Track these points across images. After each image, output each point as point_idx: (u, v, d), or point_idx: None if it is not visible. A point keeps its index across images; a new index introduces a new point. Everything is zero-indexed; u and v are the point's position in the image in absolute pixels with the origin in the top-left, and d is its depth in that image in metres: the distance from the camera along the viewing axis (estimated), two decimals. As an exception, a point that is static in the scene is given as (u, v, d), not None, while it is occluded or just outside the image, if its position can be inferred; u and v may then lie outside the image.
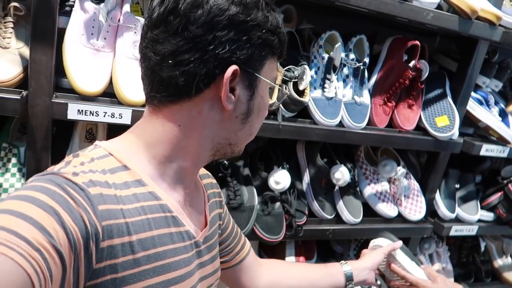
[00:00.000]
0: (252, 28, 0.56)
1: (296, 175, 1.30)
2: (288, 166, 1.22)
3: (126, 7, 0.93)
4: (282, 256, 1.37)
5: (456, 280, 1.70)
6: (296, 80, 1.10)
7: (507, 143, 1.43)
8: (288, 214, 1.19)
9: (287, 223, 1.19)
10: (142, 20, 0.94)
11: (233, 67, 0.56)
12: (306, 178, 1.31)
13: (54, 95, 0.89)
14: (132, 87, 0.92)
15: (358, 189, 1.39)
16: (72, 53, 0.90)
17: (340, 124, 1.17)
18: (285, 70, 1.09)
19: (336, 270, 0.97)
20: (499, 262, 1.83)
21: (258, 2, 0.57)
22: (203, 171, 0.82)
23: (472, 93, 1.39)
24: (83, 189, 0.50)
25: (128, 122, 0.92)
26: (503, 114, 1.49)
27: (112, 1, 0.91)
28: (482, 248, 1.80)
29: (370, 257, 1.01)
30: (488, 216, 1.58)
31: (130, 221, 0.54)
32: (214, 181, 0.84)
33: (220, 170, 1.15)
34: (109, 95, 0.94)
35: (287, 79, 1.08)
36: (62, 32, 0.91)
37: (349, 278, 0.96)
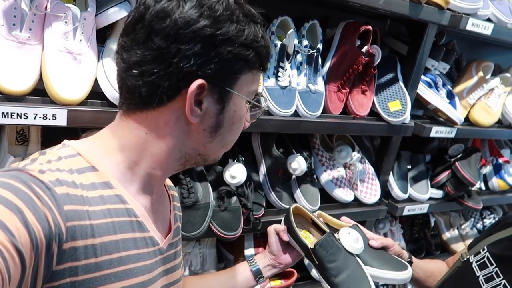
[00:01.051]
0: (222, 42, 0.54)
1: (252, 167, 1.26)
2: (243, 158, 1.18)
3: (53, -7, 0.82)
4: (241, 249, 1.34)
5: (409, 256, 1.77)
6: (248, 69, 1.04)
7: (455, 124, 1.47)
8: (245, 208, 1.16)
9: (245, 217, 1.15)
10: (73, 8, 0.83)
11: (199, 81, 0.54)
12: (263, 169, 1.27)
13: (-27, 97, 0.78)
14: (66, 84, 0.83)
15: (314, 176, 1.38)
16: (-9, 47, 0.78)
17: (295, 113, 1.14)
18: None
19: (243, 268, 0.92)
20: (447, 235, 1.93)
21: (233, 15, 0.54)
22: (170, 182, 0.80)
23: (422, 76, 1.41)
24: (49, 187, 0.49)
25: (64, 123, 0.83)
26: (450, 96, 1.53)
27: (36, -14, 0.79)
28: (432, 224, 1.88)
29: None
30: (438, 193, 1.64)
31: (95, 223, 0.53)
32: (177, 194, 0.82)
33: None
34: (41, 93, 0.84)
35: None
36: (-23, 22, 0.79)
37: (256, 272, 0.92)
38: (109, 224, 0.55)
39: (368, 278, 0.83)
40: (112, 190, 0.57)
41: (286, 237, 0.91)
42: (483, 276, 0.96)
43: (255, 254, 1.36)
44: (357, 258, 0.87)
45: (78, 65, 0.85)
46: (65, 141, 0.60)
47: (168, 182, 0.79)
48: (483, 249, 1.03)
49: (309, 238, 0.97)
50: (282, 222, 0.96)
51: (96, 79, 0.89)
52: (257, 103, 0.65)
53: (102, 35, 0.93)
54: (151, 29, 0.53)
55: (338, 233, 0.89)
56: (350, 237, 0.89)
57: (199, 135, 0.60)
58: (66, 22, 0.82)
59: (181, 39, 0.52)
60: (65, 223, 0.49)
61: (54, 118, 0.82)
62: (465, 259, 1.06)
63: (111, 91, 0.87)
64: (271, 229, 0.94)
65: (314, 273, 1.48)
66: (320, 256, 0.84)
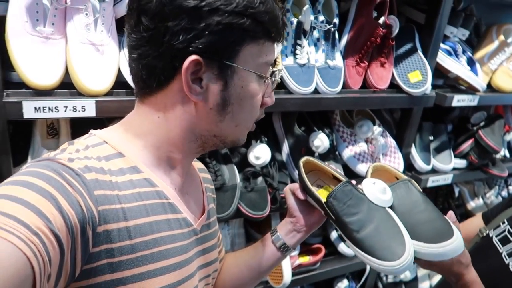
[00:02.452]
0: (208, 13, 0.52)
1: (275, 147, 1.28)
2: (266, 139, 1.19)
3: (72, -14, 0.83)
4: (268, 229, 1.36)
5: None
6: (267, 49, 1.04)
7: (476, 91, 1.45)
8: (271, 188, 1.17)
9: (271, 196, 1.17)
10: (92, 0, 0.84)
11: (192, 58, 0.53)
12: (286, 149, 1.28)
13: (5, 93, 0.80)
14: (92, 75, 0.84)
15: (337, 152, 1.38)
16: (18, 43, 0.80)
17: (315, 90, 1.14)
18: (254, 40, 1.02)
19: (267, 240, 0.83)
20: (471, 204, 1.92)
21: None
22: (201, 165, 0.82)
23: (441, 44, 1.38)
24: (78, 174, 0.50)
25: (93, 114, 0.85)
26: (471, 63, 1.50)
27: (55, -19, 0.81)
28: (456, 194, 1.87)
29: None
30: (461, 163, 1.62)
31: (126, 207, 0.54)
32: (209, 177, 0.83)
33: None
34: (67, 86, 0.86)
35: (257, 49, 1.03)
36: (2, 20, 0.81)
37: (277, 240, 0.81)
38: (141, 207, 0.56)
39: (402, 230, 0.68)
40: (140, 174, 0.58)
41: (301, 195, 0.78)
42: (506, 251, 0.95)
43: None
44: (387, 209, 0.72)
45: (101, 56, 0.87)
46: (92, 131, 0.62)
47: (199, 165, 0.80)
48: (503, 222, 1.00)
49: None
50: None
51: (119, 69, 0.90)
52: (262, 74, 0.60)
53: (121, 25, 0.94)
54: (140, 11, 0.54)
55: (361, 183, 0.76)
56: (376, 187, 0.73)
57: (208, 114, 0.58)
58: (86, 14, 0.84)
59: (167, 16, 0.52)
60: (96, 207, 0.50)
61: (83, 109, 0.84)
62: (484, 234, 1.03)
63: (135, 79, 0.88)
64: (287, 189, 0.83)
65: (342, 248, 1.50)
66: (336, 210, 0.69)
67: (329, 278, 1.55)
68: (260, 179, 1.16)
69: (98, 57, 0.86)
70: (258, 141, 1.16)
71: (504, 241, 0.97)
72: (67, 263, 0.47)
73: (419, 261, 0.76)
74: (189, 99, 0.57)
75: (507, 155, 1.83)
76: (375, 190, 0.73)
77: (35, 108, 0.80)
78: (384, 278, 1.79)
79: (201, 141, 0.62)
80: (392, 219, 0.70)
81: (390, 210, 0.72)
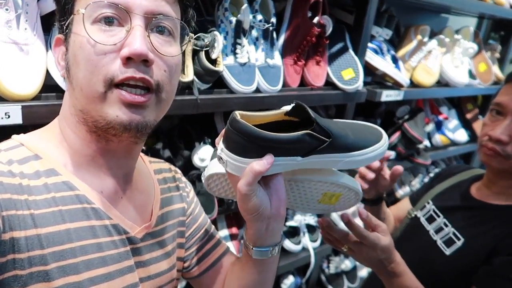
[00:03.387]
0: None
1: (219, 148, 1.25)
2: (209, 140, 1.16)
3: (-12, -22, 0.74)
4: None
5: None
6: (208, 48, 1.01)
7: (401, 87, 1.56)
8: (217, 190, 1.15)
9: (218, 198, 1.15)
10: (13, -7, 0.75)
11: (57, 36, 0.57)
12: (229, 149, 1.27)
13: None
14: (16, 78, 0.76)
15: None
16: None
17: (257, 89, 1.14)
18: (195, 38, 1.00)
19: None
20: (400, 192, 2.06)
21: None
22: (161, 165, 0.76)
23: (368, 44, 1.47)
24: None
25: (19, 121, 0.76)
26: (394, 60, 1.61)
27: (-34, -30, 0.71)
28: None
29: None
30: (391, 154, 1.74)
31: (36, 213, 0.50)
32: (178, 175, 0.77)
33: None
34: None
35: (198, 48, 1.00)
36: None
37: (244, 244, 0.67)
38: (55, 213, 0.52)
39: (361, 122, 0.67)
40: (58, 177, 0.54)
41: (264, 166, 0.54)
42: (433, 229, 1.02)
43: (229, 235, 1.37)
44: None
45: (26, 57, 0.78)
46: (13, 136, 0.58)
47: (156, 166, 0.75)
48: (428, 203, 1.10)
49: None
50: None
51: (47, 70, 0.82)
52: (76, 11, 0.53)
53: (47, 23, 0.86)
54: None
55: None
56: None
57: (67, 90, 0.57)
58: (7, 9, 0.75)
59: None
60: (0, 212, 0.46)
61: (7, 116, 0.74)
62: (413, 215, 1.11)
63: (67, 81, 0.80)
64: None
65: (287, 244, 1.52)
66: (328, 127, 0.57)
67: (276, 275, 1.56)
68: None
69: (23, 57, 0.77)
70: (202, 143, 1.13)
71: (430, 220, 1.05)
72: None
73: (353, 254, 0.83)
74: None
75: (428, 145, 1.99)
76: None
77: None
78: (327, 270, 1.86)
79: (77, 119, 0.56)
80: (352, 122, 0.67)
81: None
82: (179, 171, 0.81)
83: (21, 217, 0.49)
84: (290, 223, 1.54)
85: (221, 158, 0.56)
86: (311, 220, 1.60)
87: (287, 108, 0.59)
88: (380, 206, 1.06)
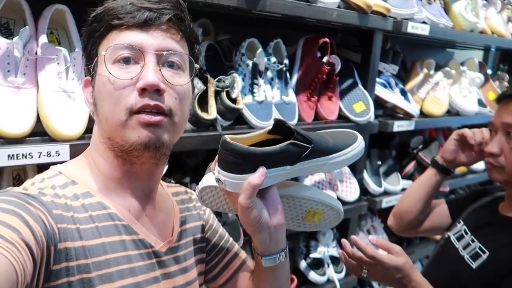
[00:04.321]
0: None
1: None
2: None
3: (43, 38, 0.87)
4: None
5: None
6: (228, 89, 1.13)
7: (412, 117, 1.63)
8: (242, 220, 1.21)
9: (243, 228, 1.21)
10: (63, 50, 0.89)
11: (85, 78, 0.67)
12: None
13: (-25, 144, 0.80)
14: (65, 121, 0.87)
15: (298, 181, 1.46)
16: (-11, 95, 0.81)
17: (275, 124, 1.23)
18: (216, 81, 1.11)
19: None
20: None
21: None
22: (178, 189, 0.83)
23: (376, 79, 1.56)
24: (35, 196, 0.55)
25: (67, 158, 0.86)
26: (403, 93, 1.69)
27: (26, 34, 0.84)
28: (407, 214, 2.01)
29: None
30: (408, 183, 1.77)
31: (81, 228, 0.58)
32: (194, 196, 0.84)
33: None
34: (36, 135, 0.87)
35: (220, 89, 1.11)
36: (-30, 73, 0.82)
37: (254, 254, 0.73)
38: (93, 229, 0.59)
39: (340, 129, 0.74)
40: (93, 198, 0.62)
41: (258, 180, 0.60)
42: (461, 246, 1.07)
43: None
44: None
45: (73, 103, 0.90)
46: (52, 166, 0.66)
47: (173, 189, 0.81)
48: (459, 222, 1.15)
49: None
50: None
51: (90, 114, 0.93)
52: (100, 52, 0.62)
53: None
54: None
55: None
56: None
57: (96, 120, 0.65)
58: (58, 63, 0.87)
59: None
60: (56, 225, 0.54)
61: (57, 154, 0.85)
62: (446, 236, 1.17)
63: (108, 122, 0.91)
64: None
65: (313, 276, 1.54)
66: (307, 136, 0.64)
67: (303, 308, 1.57)
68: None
69: (70, 103, 0.89)
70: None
71: (459, 238, 1.10)
72: (36, 276, 0.48)
73: (372, 276, 0.93)
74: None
75: (445, 173, 2.02)
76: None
77: (9, 155, 0.80)
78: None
79: (106, 146, 0.64)
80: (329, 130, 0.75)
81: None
82: (194, 192, 0.86)
83: (70, 230, 0.56)
84: (314, 255, 1.57)
85: (219, 179, 0.63)
86: (334, 251, 1.63)
87: (269, 127, 0.67)
88: (443, 178, 1.19)
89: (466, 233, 1.09)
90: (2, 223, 0.46)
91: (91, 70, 0.64)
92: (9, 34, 0.90)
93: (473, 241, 1.05)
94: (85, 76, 0.68)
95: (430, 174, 1.20)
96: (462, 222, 1.15)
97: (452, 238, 1.13)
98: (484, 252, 0.99)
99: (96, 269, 0.58)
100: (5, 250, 0.43)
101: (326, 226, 0.80)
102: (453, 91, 1.85)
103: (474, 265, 0.99)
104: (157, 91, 0.59)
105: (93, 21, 0.63)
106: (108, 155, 0.64)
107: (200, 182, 0.75)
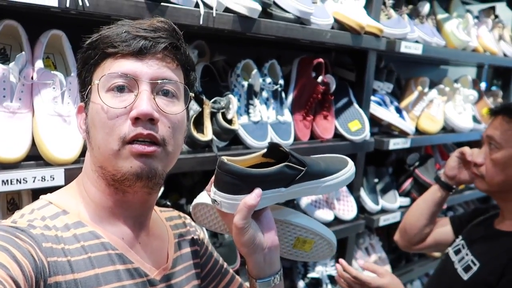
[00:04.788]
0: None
1: (238, 201, 1.32)
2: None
3: (39, 63, 0.88)
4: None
5: (391, 264, 1.86)
6: (224, 110, 1.13)
7: (407, 135, 1.64)
8: (238, 241, 1.20)
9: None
10: (59, 74, 0.89)
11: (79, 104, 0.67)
12: (247, 202, 1.34)
13: (-31, 170, 0.80)
14: (60, 145, 0.87)
15: (295, 201, 1.46)
16: (-16, 120, 0.81)
17: (270, 144, 1.23)
18: (212, 102, 1.12)
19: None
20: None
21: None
22: (171, 213, 0.82)
23: (371, 97, 1.58)
24: (24, 229, 0.54)
25: (62, 182, 0.86)
26: (398, 111, 1.70)
27: (22, 60, 0.85)
28: (406, 231, 2.00)
29: None
30: (405, 201, 1.77)
31: (73, 260, 0.56)
32: (188, 220, 0.83)
33: (164, 213, 1.12)
34: (30, 159, 0.87)
35: (215, 110, 1.11)
36: (-34, 99, 0.82)
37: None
38: (86, 260, 0.58)
39: (332, 155, 0.76)
40: (85, 228, 0.61)
41: (254, 200, 0.62)
42: (457, 260, 1.12)
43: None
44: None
45: (68, 126, 0.90)
46: (41, 196, 0.65)
47: (166, 214, 0.80)
48: (458, 237, 1.18)
49: None
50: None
51: (85, 137, 0.93)
52: (94, 81, 0.61)
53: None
54: None
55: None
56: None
57: (88, 148, 0.65)
58: (54, 88, 0.88)
59: None
60: (46, 258, 0.53)
61: (52, 178, 0.85)
62: (446, 251, 1.22)
63: (103, 146, 0.91)
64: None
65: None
66: (301, 160, 0.66)
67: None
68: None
69: (66, 127, 0.89)
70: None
71: (457, 252, 1.15)
72: None
73: None
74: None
75: (442, 190, 2.02)
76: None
77: (3, 181, 0.80)
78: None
79: (97, 174, 0.63)
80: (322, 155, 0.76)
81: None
82: (188, 216, 0.86)
83: (61, 263, 0.55)
84: (312, 274, 1.55)
85: (215, 200, 0.64)
86: (333, 271, 1.61)
87: (263, 150, 0.69)
88: (446, 194, 1.24)
89: (463, 247, 1.13)
90: None
91: (85, 97, 0.64)
92: (5, 60, 0.91)
93: (467, 254, 1.10)
94: (80, 101, 0.68)
95: (433, 190, 1.27)
96: (460, 237, 1.19)
97: (451, 252, 1.18)
98: (475, 264, 1.05)
99: None
100: None
101: (319, 257, 0.79)
102: (448, 108, 1.86)
103: (465, 277, 1.05)
104: (150, 120, 0.59)
105: (88, 48, 0.63)
106: (100, 184, 0.63)
107: (194, 199, 0.75)
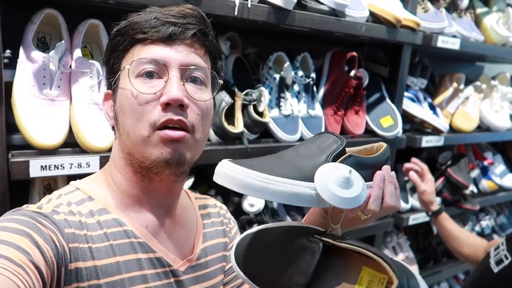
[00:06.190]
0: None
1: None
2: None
3: (77, 52, 0.89)
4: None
5: (419, 264, 1.82)
6: (255, 102, 1.12)
7: (441, 133, 1.59)
8: (266, 235, 1.20)
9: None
10: (96, 63, 0.91)
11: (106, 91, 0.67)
12: (276, 195, 1.33)
13: (10, 154, 0.82)
14: (96, 133, 0.88)
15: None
16: (25, 107, 0.84)
17: (301, 138, 1.22)
18: (244, 94, 1.11)
19: None
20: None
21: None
22: (207, 201, 0.81)
23: (404, 93, 1.53)
24: (47, 215, 0.54)
25: (97, 170, 0.88)
26: (432, 108, 1.65)
27: (62, 48, 0.87)
28: (435, 231, 1.95)
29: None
30: (437, 200, 1.72)
31: (94, 247, 0.57)
32: (223, 211, 0.82)
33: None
34: (67, 146, 0.89)
35: (247, 102, 1.11)
36: (8, 86, 0.85)
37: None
38: (107, 247, 0.58)
39: None
40: (109, 215, 0.61)
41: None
42: (494, 254, 1.13)
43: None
44: None
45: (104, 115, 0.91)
46: (71, 182, 0.66)
47: (201, 202, 0.79)
48: (502, 244, 1.17)
49: None
50: None
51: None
52: (124, 66, 0.61)
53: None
54: None
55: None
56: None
57: (116, 135, 0.65)
58: (91, 76, 0.89)
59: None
60: (67, 244, 0.53)
61: (88, 165, 0.86)
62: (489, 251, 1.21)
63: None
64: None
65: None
66: None
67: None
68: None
69: (101, 115, 0.91)
70: (250, 190, 1.21)
71: (496, 248, 1.16)
72: None
73: None
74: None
75: (475, 190, 1.96)
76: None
77: (42, 166, 0.82)
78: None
79: (125, 161, 0.63)
80: None
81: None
82: (224, 207, 0.85)
83: (82, 249, 0.55)
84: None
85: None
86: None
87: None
88: (436, 221, 1.40)
89: (502, 244, 1.15)
90: (11, 245, 0.46)
91: (113, 83, 0.64)
92: (45, 48, 0.93)
93: (503, 250, 1.11)
94: (107, 89, 0.68)
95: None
96: (505, 237, 1.21)
97: (492, 253, 1.17)
98: (507, 258, 1.06)
99: None
100: (13, 274, 0.43)
101: None
102: (484, 106, 1.80)
103: (496, 269, 1.07)
104: (180, 106, 0.59)
105: (117, 35, 0.63)
106: (126, 171, 0.64)
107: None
